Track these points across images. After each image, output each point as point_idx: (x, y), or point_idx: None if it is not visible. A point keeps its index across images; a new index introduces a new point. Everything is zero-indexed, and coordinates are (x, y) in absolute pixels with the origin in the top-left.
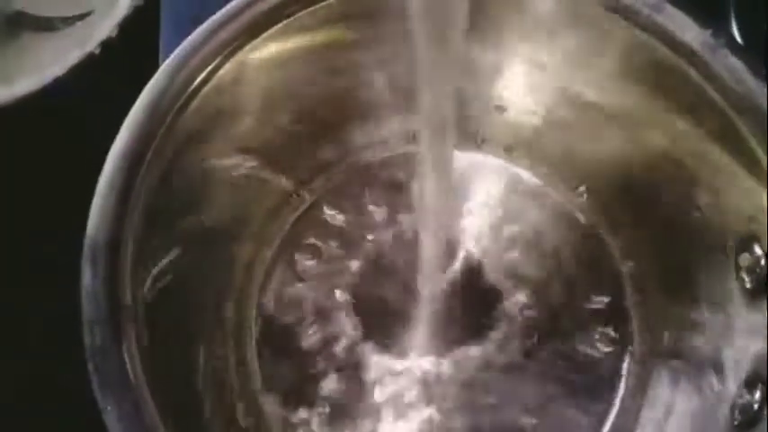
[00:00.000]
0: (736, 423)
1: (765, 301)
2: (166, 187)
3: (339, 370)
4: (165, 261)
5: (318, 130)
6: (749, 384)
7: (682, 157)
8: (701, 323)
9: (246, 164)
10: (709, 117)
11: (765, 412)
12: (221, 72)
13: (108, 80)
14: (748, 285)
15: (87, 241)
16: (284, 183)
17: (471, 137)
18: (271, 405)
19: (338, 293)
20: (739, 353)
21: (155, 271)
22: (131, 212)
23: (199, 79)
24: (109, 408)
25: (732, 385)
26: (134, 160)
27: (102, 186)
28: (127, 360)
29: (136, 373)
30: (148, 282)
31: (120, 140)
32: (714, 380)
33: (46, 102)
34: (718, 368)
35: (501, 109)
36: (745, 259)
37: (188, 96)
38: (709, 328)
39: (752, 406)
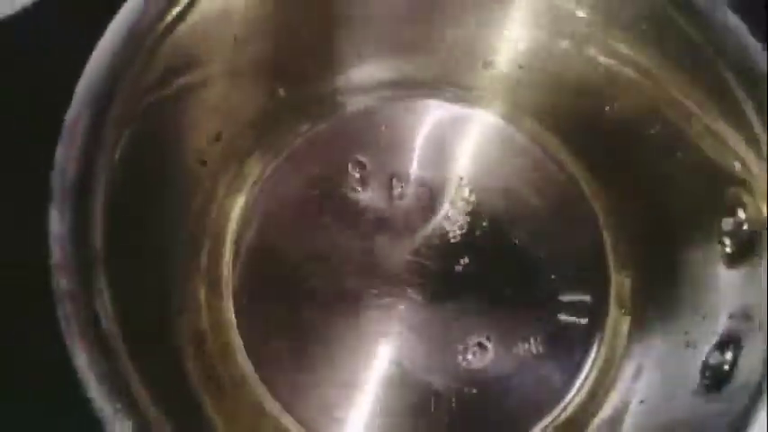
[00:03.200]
0: (706, 383)
1: (743, 266)
2: (142, 121)
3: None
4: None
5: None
6: (721, 346)
7: (670, 112)
8: (678, 284)
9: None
10: (703, 76)
11: (734, 373)
12: None
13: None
14: (728, 249)
15: (54, 183)
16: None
17: (455, 87)
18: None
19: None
20: (714, 314)
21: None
22: (102, 151)
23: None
24: (78, 354)
25: (704, 346)
26: (105, 93)
27: (69, 122)
28: (97, 305)
29: (107, 318)
30: (118, 223)
31: (91, 68)
32: (686, 339)
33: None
34: (692, 328)
35: (487, 63)
36: (727, 224)
37: (170, 22)
38: (685, 289)
39: (722, 366)
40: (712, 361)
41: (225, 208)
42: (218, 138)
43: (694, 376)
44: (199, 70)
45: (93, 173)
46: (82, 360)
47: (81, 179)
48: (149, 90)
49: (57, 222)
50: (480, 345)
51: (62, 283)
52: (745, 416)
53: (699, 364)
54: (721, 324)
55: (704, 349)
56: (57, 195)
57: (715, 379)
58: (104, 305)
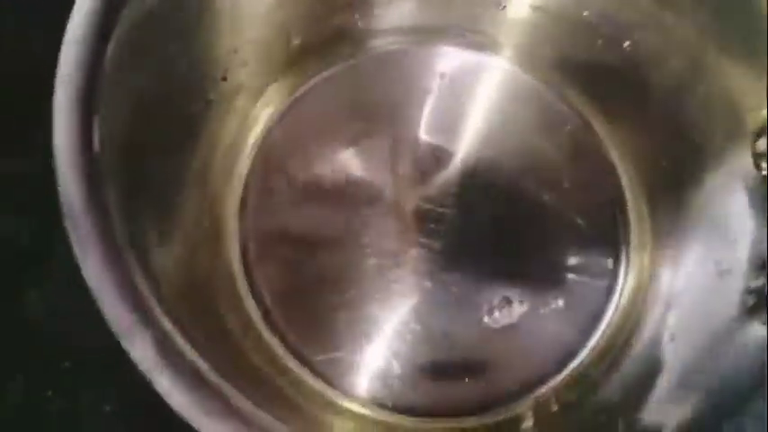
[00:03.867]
0: (749, 306)
1: None
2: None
3: None
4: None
5: None
6: (763, 267)
7: (687, 45)
8: (704, 217)
9: None
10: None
11: None
12: None
13: None
14: (765, 172)
15: (58, 96)
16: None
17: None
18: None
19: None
20: (745, 239)
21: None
22: (107, 53)
23: None
24: (89, 264)
25: (739, 271)
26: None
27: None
28: (107, 219)
29: (114, 228)
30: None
31: None
32: (718, 269)
33: None
34: (723, 256)
35: (500, 4)
36: (762, 145)
37: None
38: (711, 220)
39: (765, 287)
40: (753, 285)
41: (232, 151)
42: (224, 78)
43: (731, 303)
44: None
45: (97, 85)
46: (95, 271)
47: (87, 90)
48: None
49: (62, 133)
50: (504, 299)
51: (72, 194)
52: None
53: (735, 290)
54: (755, 247)
55: (738, 275)
56: (63, 107)
57: (759, 300)
58: (113, 219)
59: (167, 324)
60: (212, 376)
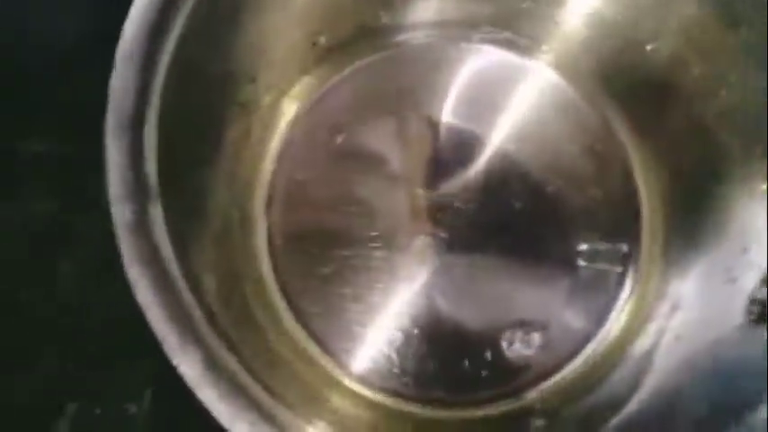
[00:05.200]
0: (752, 317)
1: None
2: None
3: None
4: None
5: None
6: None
7: (711, 52)
8: (718, 221)
9: None
10: None
11: None
12: None
13: None
14: None
15: (110, 117)
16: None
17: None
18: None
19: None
20: (755, 248)
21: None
22: (154, 85)
23: None
24: (139, 279)
25: (746, 280)
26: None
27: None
28: (156, 237)
29: (164, 246)
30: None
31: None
32: (726, 275)
33: None
34: (732, 263)
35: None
36: None
37: None
38: (725, 226)
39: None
40: (759, 295)
41: (259, 148)
42: (253, 80)
43: (736, 311)
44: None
45: (147, 105)
46: (145, 293)
47: (137, 111)
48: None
49: (115, 153)
50: (511, 289)
51: (124, 213)
52: None
53: (742, 298)
54: (764, 257)
55: (746, 283)
56: (114, 126)
57: (762, 312)
58: (162, 237)
59: (213, 340)
60: (251, 387)
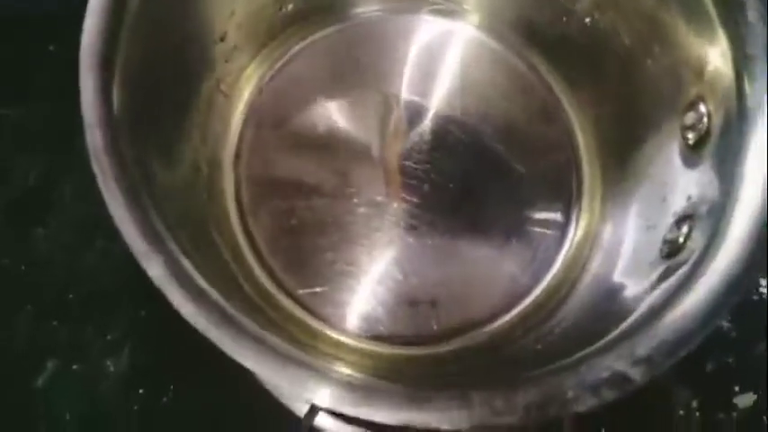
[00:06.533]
0: (664, 254)
1: (702, 155)
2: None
3: None
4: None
5: None
6: (679, 221)
7: (641, 23)
8: (645, 178)
9: None
10: None
11: (687, 244)
12: None
13: None
14: (690, 142)
15: (82, 55)
16: None
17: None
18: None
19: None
20: (673, 199)
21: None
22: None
23: None
24: (112, 201)
25: (662, 226)
26: None
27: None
28: (127, 159)
29: (135, 171)
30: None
31: None
32: (647, 224)
33: None
34: (653, 213)
35: None
36: (690, 118)
37: None
38: (651, 182)
39: (678, 239)
40: (670, 236)
41: (228, 104)
42: (222, 38)
43: (653, 251)
44: None
45: (116, 50)
46: (118, 207)
47: (106, 53)
48: None
49: (88, 89)
50: (460, 244)
51: (96, 139)
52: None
53: (657, 240)
54: (680, 207)
55: (662, 229)
56: (86, 64)
57: (671, 250)
58: (130, 160)
59: (175, 249)
60: (212, 292)
